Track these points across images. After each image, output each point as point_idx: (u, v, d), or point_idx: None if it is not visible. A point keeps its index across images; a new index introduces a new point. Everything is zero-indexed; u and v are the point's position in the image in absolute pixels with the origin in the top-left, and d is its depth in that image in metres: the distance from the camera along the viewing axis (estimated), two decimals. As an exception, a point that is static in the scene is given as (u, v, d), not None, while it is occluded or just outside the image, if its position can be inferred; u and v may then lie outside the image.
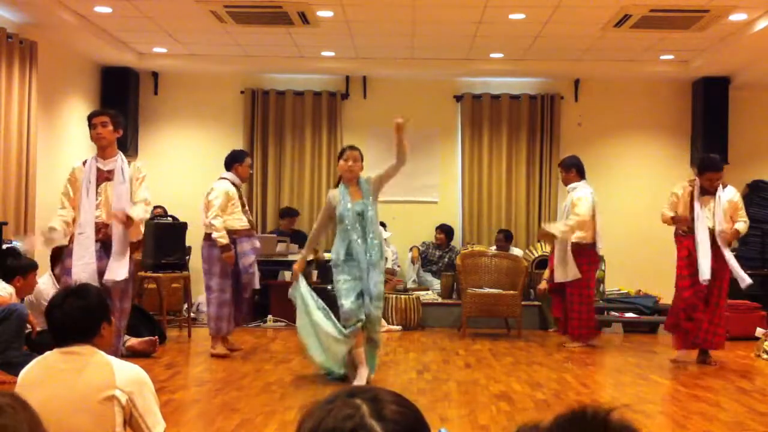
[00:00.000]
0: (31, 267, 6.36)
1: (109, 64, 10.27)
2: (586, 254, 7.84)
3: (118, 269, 5.88)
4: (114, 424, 2.44)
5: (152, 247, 8.17)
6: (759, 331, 8.01)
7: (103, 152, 6.08)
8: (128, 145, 10.47)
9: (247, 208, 7.43)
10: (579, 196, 7.89)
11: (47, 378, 2.48)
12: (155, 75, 10.80)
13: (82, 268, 5.84)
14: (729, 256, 6.86)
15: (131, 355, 6.55)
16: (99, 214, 5.96)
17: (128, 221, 5.91)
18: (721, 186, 6.89)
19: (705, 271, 6.70)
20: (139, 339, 6.95)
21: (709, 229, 6.79)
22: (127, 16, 8.43)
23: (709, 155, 7.30)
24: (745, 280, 6.86)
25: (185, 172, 10.50)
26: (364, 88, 10.83)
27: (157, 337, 7.13)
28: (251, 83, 10.78)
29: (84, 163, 6.13)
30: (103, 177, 6.02)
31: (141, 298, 8.88)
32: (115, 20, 8.65)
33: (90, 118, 6.15)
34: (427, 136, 10.82)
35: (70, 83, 9.63)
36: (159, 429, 2.56)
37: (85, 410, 2.40)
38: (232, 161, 7.39)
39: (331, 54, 10.15)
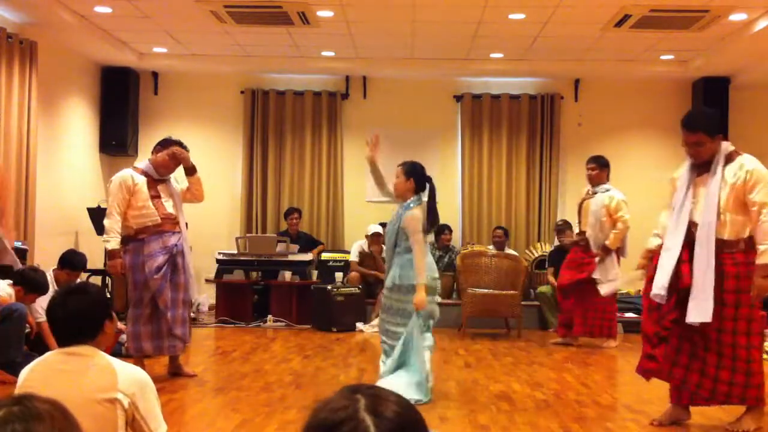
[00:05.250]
0: (40, 290, 6.08)
1: (109, 64, 10.28)
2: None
3: None
4: (116, 427, 2.43)
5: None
6: (759, 331, 8.00)
7: None
8: (128, 145, 10.49)
9: (167, 199, 6.02)
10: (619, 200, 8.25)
11: (48, 379, 2.47)
12: (155, 75, 10.81)
13: None
14: (706, 266, 4.40)
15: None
16: None
17: None
18: (722, 159, 4.50)
19: (658, 283, 4.55)
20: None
21: (690, 223, 4.55)
22: (127, 16, 8.44)
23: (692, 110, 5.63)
24: (691, 318, 4.41)
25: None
26: (364, 88, 10.83)
27: (157, 337, 7.10)
28: (251, 83, 10.79)
29: None
30: None
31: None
32: (115, 20, 8.65)
33: None
34: (427, 136, 10.83)
35: (70, 83, 9.63)
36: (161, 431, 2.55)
37: (86, 412, 2.38)
38: (157, 147, 6.13)
39: (331, 54, 10.15)
